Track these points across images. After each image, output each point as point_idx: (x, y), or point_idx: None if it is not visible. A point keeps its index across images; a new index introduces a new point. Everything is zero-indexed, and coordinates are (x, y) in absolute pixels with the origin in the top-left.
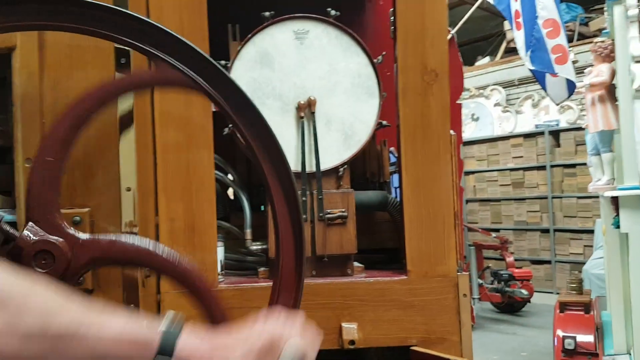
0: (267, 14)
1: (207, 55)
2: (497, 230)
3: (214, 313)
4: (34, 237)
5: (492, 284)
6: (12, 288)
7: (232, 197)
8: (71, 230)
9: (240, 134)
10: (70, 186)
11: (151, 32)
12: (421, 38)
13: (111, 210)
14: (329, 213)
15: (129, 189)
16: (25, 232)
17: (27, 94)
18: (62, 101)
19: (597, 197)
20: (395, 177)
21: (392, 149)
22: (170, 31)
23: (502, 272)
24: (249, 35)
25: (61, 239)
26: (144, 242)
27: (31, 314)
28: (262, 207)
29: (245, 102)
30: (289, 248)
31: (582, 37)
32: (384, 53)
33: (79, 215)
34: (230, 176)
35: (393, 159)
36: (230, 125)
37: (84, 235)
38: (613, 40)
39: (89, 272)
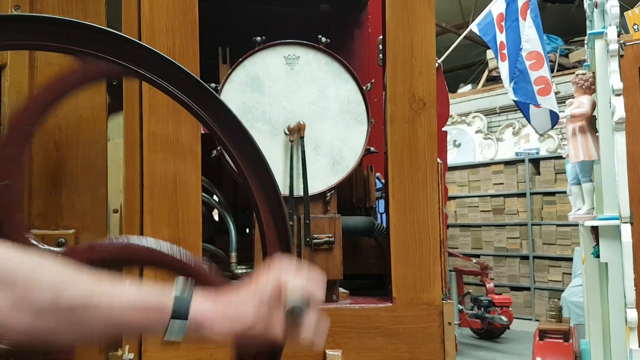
0: (258, 38)
1: (198, 78)
2: (477, 256)
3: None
4: None
5: (472, 309)
6: (19, 266)
7: (216, 218)
8: (44, 247)
9: (231, 157)
10: (56, 207)
11: (142, 54)
12: (410, 67)
13: (97, 232)
14: (315, 238)
15: (116, 211)
16: None
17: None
18: (50, 121)
19: (576, 225)
20: (381, 202)
21: (378, 174)
22: (161, 53)
23: (482, 298)
24: (240, 59)
25: None
26: (123, 240)
27: (41, 289)
28: (247, 230)
29: (235, 124)
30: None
31: (562, 67)
32: (372, 80)
33: (64, 236)
34: (215, 198)
35: (379, 185)
36: (218, 147)
37: (59, 249)
38: (594, 72)
39: None
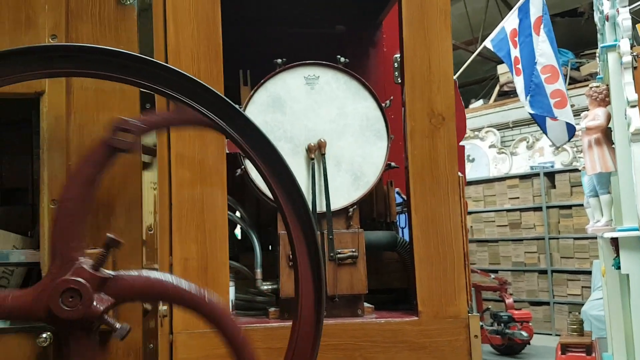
0: (279, 60)
1: (230, 101)
2: (495, 271)
3: (242, 355)
4: (62, 276)
5: (492, 325)
6: None
7: (238, 236)
8: (97, 271)
9: (262, 175)
10: (94, 226)
11: (177, 79)
12: (428, 83)
13: (133, 250)
14: (339, 253)
15: (150, 230)
16: (50, 275)
17: (53, 137)
18: (87, 144)
19: (594, 238)
20: (402, 217)
21: (397, 189)
22: (197, 79)
23: (501, 313)
24: (262, 81)
25: (86, 279)
26: (168, 277)
27: None
28: (270, 247)
29: (268, 147)
30: (308, 289)
31: (574, 81)
32: (391, 97)
33: (102, 254)
34: (238, 215)
35: (399, 200)
36: (242, 167)
37: (108, 274)
38: (607, 85)
39: (112, 310)
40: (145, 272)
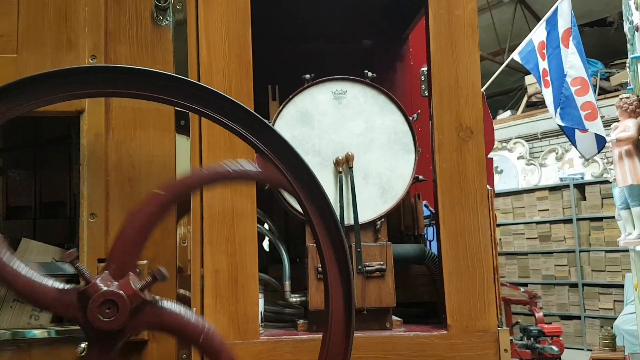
0: (307, 76)
1: (258, 116)
2: (525, 284)
3: None
4: (105, 287)
5: (521, 340)
6: None
7: (266, 249)
8: (142, 292)
9: (294, 194)
10: None
11: (211, 97)
12: (456, 96)
13: (168, 261)
14: (367, 266)
15: (184, 242)
16: (99, 280)
17: (93, 153)
18: (125, 160)
19: (626, 250)
20: (430, 230)
21: (425, 202)
22: (229, 96)
23: (531, 327)
24: (290, 96)
25: (129, 296)
26: (202, 323)
27: None
28: (299, 260)
29: (296, 160)
30: (338, 300)
31: (604, 91)
32: (419, 111)
33: (139, 267)
34: (267, 227)
35: (427, 212)
36: None
37: (152, 297)
38: (638, 95)
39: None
40: (183, 310)
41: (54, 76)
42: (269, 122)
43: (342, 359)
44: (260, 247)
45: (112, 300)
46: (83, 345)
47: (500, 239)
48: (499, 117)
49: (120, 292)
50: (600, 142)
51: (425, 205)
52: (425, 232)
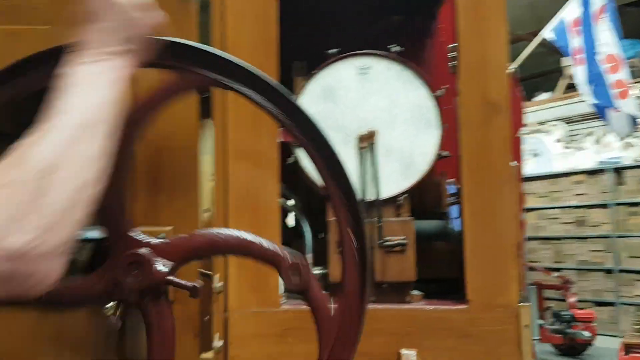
0: (332, 51)
1: (283, 89)
2: (558, 269)
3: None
4: (121, 252)
5: (552, 324)
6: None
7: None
8: (150, 239)
9: (314, 162)
10: (157, 208)
11: (238, 70)
12: (483, 72)
13: (191, 229)
14: (388, 240)
15: (206, 211)
16: (113, 250)
17: None
18: (152, 129)
19: None
20: (455, 208)
21: (452, 180)
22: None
23: (563, 312)
24: (314, 71)
25: (145, 249)
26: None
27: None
28: (321, 235)
29: (318, 134)
30: (353, 271)
31: None
32: (446, 86)
33: (163, 232)
34: (290, 203)
35: (453, 190)
36: (293, 155)
37: (161, 240)
38: None
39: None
40: (198, 231)
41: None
42: (294, 97)
43: (356, 328)
44: (284, 222)
45: (133, 261)
46: (110, 304)
47: (535, 223)
48: (536, 99)
49: (135, 251)
50: (634, 121)
51: (451, 183)
52: (450, 209)
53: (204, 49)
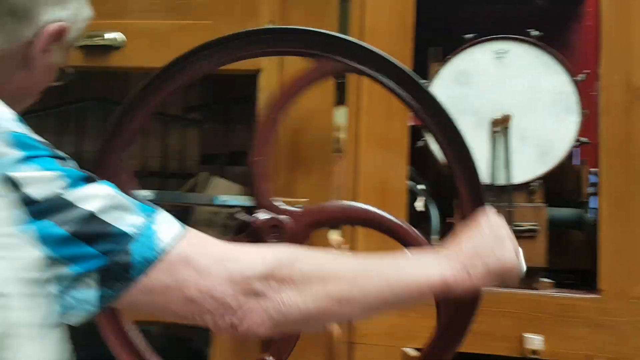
0: (468, 36)
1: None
2: None
3: None
4: (264, 218)
5: None
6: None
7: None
8: (289, 207)
9: (440, 144)
10: (293, 181)
11: (372, 57)
12: (627, 55)
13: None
14: (518, 225)
15: (338, 188)
16: (257, 216)
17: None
18: (291, 111)
19: None
20: (595, 199)
21: (595, 170)
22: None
23: None
24: (449, 56)
25: (283, 215)
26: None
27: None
28: (449, 218)
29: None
30: None
31: None
32: (588, 71)
33: (300, 203)
34: (419, 187)
35: (594, 180)
36: (423, 138)
37: (298, 208)
38: None
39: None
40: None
41: (234, 38)
42: (427, 82)
43: (474, 304)
44: (412, 206)
45: (274, 225)
46: None
47: None
48: None
49: (276, 215)
50: None
51: (593, 173)
52: (590, 200)
53: (342, 37)
